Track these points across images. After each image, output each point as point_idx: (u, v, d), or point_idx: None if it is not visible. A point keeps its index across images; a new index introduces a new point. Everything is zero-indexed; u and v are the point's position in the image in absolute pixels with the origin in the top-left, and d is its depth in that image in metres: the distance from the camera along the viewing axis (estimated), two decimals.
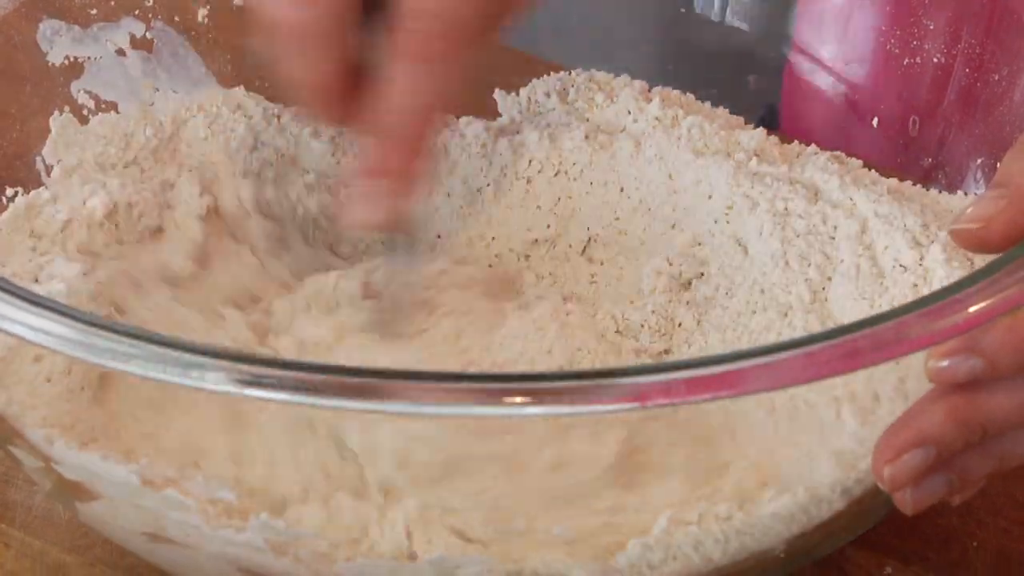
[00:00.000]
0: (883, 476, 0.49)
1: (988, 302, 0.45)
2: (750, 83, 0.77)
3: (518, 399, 0.43)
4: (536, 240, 0.69)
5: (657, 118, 0.70)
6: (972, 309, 0.45)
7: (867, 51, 0.72)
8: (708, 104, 0.72)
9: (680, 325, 0.63)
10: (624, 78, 0.73)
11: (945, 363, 0.48)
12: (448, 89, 0.55)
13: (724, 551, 0.52)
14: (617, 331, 0.63)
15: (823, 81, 0.74)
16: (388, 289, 0.62)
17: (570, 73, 0.74)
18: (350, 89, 0.55)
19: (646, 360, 0.62)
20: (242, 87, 0.73)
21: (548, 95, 0.73)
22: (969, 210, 0.50)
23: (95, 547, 0.60)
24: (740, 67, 0.77)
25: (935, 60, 0.69)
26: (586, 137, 0.69)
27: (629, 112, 0.71)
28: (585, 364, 0.61)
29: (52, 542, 0.60)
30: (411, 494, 0.53)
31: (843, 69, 0.73)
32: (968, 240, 0.50)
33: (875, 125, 0.72)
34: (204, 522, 0.51)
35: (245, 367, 0.43)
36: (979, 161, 0.67)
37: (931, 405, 0.49)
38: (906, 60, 0.70)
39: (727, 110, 0.72)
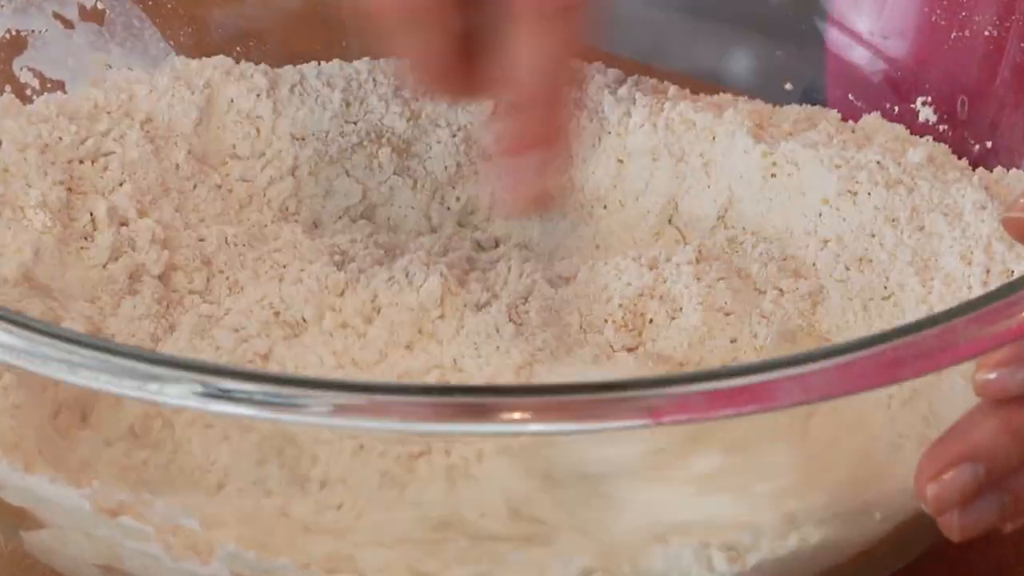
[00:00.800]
0: (927, 496, 0.48)
1: None
2: (779, 58, 0.77)
3: (516, 415, 0.43)
4: None
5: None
6: None
7: (909, 23, 0.72)
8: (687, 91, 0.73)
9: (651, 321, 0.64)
10: (598, 65, 0.73)
11: (994, 375, 0.48)
12: (578, 36, 0.55)
13: None
14: (581, 328, 0.64)
15: (860, 57, 0.74)
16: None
17: None
18: (466, 62, 0.56)
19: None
20: None
21: None
22: (1023, 198, 0.50)
23: None
24: (766, 41, 0.77)
25: (986, 33, 0.69)
26: None
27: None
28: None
29: None
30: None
31: (882, 43, 0.73)
32: (1023, 230, 0.51)
33: (919, 106, 0.72)
34: (164, 553, 0.51)
35: (211, 379, 0.43)
36: None
37: (980, 417, 0.48)
38: (953, 33, 0.70)
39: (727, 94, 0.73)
